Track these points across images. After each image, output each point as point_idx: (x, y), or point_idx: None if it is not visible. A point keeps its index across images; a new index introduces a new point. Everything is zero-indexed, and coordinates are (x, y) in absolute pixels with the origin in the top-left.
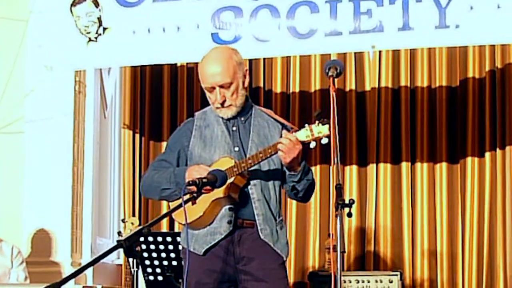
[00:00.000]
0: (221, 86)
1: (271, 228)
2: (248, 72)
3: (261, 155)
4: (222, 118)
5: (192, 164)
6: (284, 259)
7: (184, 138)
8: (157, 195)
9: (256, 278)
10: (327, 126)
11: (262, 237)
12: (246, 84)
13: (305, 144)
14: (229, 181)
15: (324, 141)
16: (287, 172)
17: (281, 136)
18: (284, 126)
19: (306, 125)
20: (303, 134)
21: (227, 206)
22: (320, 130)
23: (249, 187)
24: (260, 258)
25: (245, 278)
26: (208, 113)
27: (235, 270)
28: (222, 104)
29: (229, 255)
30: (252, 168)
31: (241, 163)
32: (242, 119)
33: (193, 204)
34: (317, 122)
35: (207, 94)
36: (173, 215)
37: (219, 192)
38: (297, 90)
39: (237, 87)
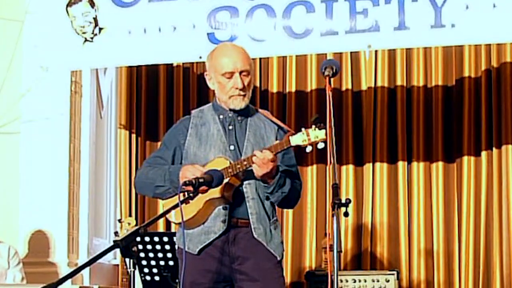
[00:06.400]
0: (241, 72)
1: (264, 227)
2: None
3: (255, 152)
4: (219, 116)
5: (187, 162)
6: (278, 259)
7: (180, 136)
8: (151, 192)
9: (251, 278)
10: (324, 131)
11: (255, 236)
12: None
13: (301, 148)
14: (224, 181)
15: (320, 145)
16: (261, 183)
17: (276, 138)
18: (280, 128)
19: (303, 129)
20: (300, 138)
21: (221, 206)
22: (317, 134)
23: (243, 185)
24: (255, 257)
25: (241, 278)
26: (205, 111)
27: (231, 270)
28: (242, 89)
29: (224, 255)
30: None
31: (237, 164)
32: (239, 118)
33: (186, 203)
34: (314, 126)
35: (223, 82)
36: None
37: (213, 192)
38: (293, 89)
39: (251, 79)
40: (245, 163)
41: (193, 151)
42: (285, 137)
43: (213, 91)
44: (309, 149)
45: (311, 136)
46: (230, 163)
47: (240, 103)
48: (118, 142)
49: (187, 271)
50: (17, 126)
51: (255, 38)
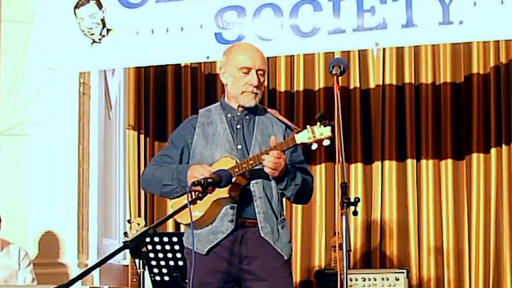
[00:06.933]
0: (257, 70)
1: (272, 226)
2: None
3: (262, 156)
4: (226, 116)
5: (193, 162)
6: (285, 258)
7: (188, 135)
8: (158, 191)
9: (259, 278)
10: (329, 127)
11: (262, 234)
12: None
13: (307, 146)
14: None
15: (326, 143)
16: (273, 181)
17: (284, 137)
18: (287, 127)
19: (308, 126)
20: (305, 136)
21: (228, 205)
22: (322, 131)
23: (250, 185)
24: (262, 257)
25: (248, 278)
26: (212, 111)
27: (239, 270)
28: (256, 87)
29: (232, 255)
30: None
31: (243, 163)
32: (247, 117)
33: (194, 204)
34: (318, 123)
35: (238, 76)
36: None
37: (220, 192)
38: (301, 88)
39: (264, 80)
40: (251, 162)
41: (199, 150)
42: (291, 134)
43: (222, 91)
44: (314, 146)
45: (316, 133)
46: (236, 162)
47: (250, 101)
48: (126, 142)
49: (195, 272)
50: (26, 128)
51: (263, 37)
